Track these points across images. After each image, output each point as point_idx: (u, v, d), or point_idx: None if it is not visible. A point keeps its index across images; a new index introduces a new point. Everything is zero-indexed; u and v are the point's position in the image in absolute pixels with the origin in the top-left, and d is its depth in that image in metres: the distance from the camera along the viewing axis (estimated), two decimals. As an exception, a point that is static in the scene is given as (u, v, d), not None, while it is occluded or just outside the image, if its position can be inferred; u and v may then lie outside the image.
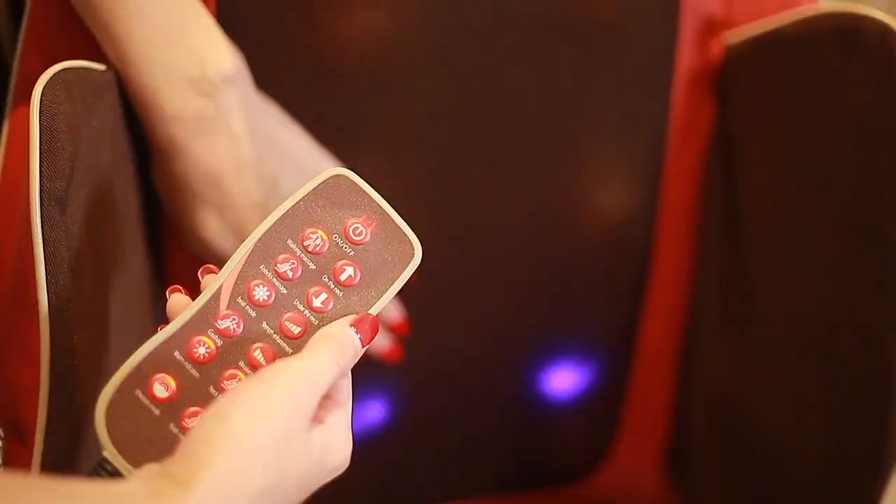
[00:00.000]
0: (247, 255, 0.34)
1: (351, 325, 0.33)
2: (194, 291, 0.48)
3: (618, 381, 0.63)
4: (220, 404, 0.29)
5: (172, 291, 0.34)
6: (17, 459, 0.38)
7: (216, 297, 0.33)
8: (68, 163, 0.36)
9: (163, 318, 0.47)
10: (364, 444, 0.38)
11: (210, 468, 0.27)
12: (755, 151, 0.51)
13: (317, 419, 0.32)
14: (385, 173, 0.50)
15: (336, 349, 0.32)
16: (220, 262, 0.35)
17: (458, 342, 0.58)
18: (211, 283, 0.34)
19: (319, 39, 0.46)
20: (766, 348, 0.52)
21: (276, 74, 0.45)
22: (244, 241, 0.34)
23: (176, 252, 0.48)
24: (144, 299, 0.45)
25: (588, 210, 0.55)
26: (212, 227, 0.43)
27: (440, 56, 0.48)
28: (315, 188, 0.35)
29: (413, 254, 0.35)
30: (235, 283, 0.33)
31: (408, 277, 0.35)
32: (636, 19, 0.50)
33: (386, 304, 0.35)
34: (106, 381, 0.38)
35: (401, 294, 0.53)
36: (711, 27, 0.52)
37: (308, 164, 0.46)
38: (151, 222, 0.46)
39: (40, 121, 0.35)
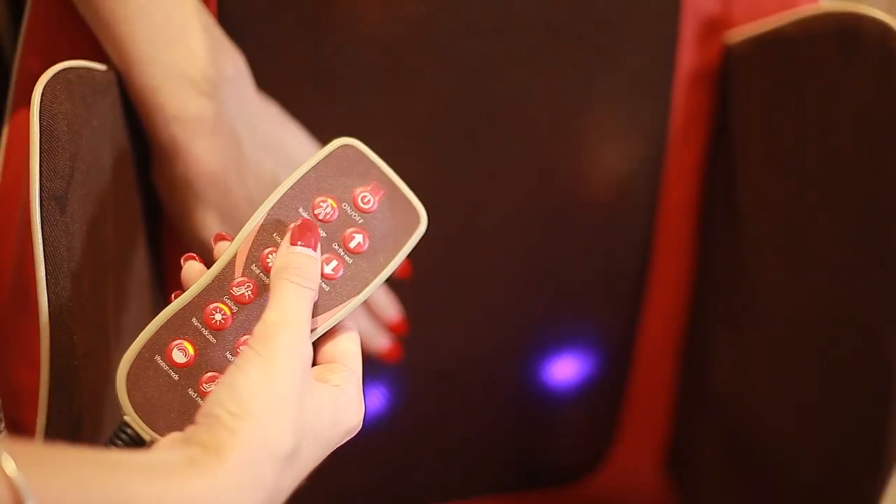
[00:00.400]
0: (259, 223, 0.34)
1: (292, 244, 0.33)
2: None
3: (618, 381, 0.63)
4: (230, 371, 0.29)
5: (187, 259, 0.35)
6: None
7: (230, 264, 0.34)
8: (68, 162, 0.36)
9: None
10: (364, 443, 0.38)
11: (238, 436, 0.27)
12: (755, 151, 0.51)
13: (325, 380, 0.32)
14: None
15: (292, 278, 0.32)
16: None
17: (458, 341, 0.58)
18: (225, 250, 0.34)
19: (320, 39, 0.46)
20: (766, 348, 0.52)
21: (276, 74, 0.45)
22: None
23: (176, 251, 0.48)
24: (145, 298, 0.45)
25: (588, 209, 0.55)
26: (212, 227, 0.43)
27: (441, 56, 0.48)
28: (324, 158, 0.35)
29: (419, 221, 0.36)
30: (249, 250, 0.34)
31: (414, 244, 0.36)
32: (637, 20, 0.50)
33: (394, 270, 0.35)
34: (107, 380, 0.38)
35: (400, 293, 0.53)
36: (711, 27, 0.52)
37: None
38: (151, 222, 0.46)
39: (40, 120, 0.35)
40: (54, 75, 0.36)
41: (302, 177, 0.35)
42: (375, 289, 0.35)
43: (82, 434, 0.38)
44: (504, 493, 0.66)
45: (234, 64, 0.41)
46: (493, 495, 0.66)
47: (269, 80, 0.45)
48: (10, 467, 0.23)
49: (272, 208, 0.34)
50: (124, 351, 0.33)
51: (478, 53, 0.49)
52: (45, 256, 0.34)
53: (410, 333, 0.53)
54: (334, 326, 0.35)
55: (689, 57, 0.52)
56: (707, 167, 0.56)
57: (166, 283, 0.49)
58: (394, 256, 0.35)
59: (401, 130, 0.50)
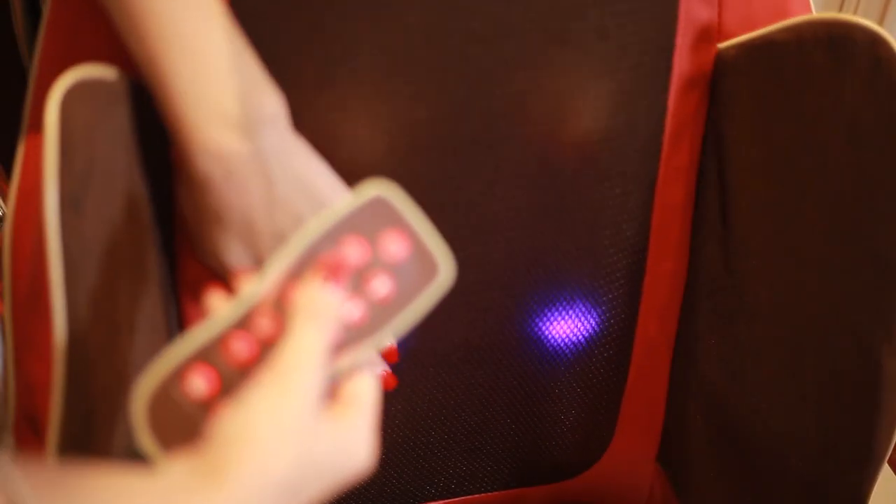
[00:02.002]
0: (290, 261, 0.34)
1: (319, 282, 0.33)
2: (203, 292, 0.49)
3: (615, 378, 0.64)
4: (241, 398, 0.30)
5: (212, 289, 0.35)
6: (32, 451, 0.39)
7: (258, 300, 0.34)
8: (84, 166, 0.36)
9: (173, 317, 0.49)
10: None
11: (240, 459, 0.28)
12: (746, 155, 0.51)
13: (337, 417, 0.32)
14: (386, 175, 0.51)
15: (314, 315, 0.32)
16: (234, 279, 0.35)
17: (457, 339, 0.58)
18: (252, 286, 0.34)
19: (325, 44, 0.46)
20: (757, 345, 0.52)
21: (280, 78, 0.45)
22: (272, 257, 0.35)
23: (188, 253, 0.49)
24: (157, 299, 0.45)
25: (586, 209, 0.56)
26: (234, 252, 0.44)
27: (443, 62, 0.48)
28: (360, 205, 0.35)
29: (445, 274, 0.36)
30: (277, 287, 0.34)
31: (438, 295, 0.35)
32: (634, 27, 0.50)
33: (416, 319, 0.35)
34: (118, 378, 0.39)
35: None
36: (706, 35, 0.52)
37: (330, 201, 0.46)
38: (164, 225, 0.47)
39: (57, 125, 0.35)
40: (71, 80, 0.37)
41: (336, 220, 0.35)
42: (395, 335, 0.35)
43: (94, 428, 0.38)
44: (501, 490, 0.67)
45: (273, 104, 0.41)
46: (490, 493, 0.66)
47: (275, 82, 0.45)
48: (20, 490, 0.23)
49: (303, 248, 0.34)
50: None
51: (479, 60, 0.49)
52: (59, 257, 0.35)
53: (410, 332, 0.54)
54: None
55: (683, 63, 0.53)
56: (700, 170, 0.57)
57: (178, 283, 0.50)
58: (417, 305, 0.35)
59: (403, 135, 0.50)
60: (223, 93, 0.39)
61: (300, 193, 0.43)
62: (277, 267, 0.34)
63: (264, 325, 0.33)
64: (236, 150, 0.40)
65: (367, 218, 0.35)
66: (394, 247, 0.35)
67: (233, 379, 0.33)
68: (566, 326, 0.60)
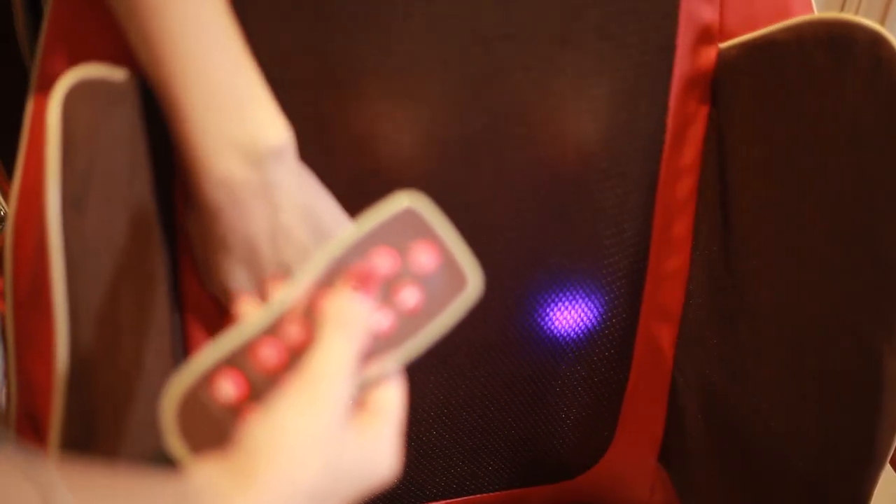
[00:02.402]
0: (320, 270, 0.34)
1: (349, 291, 0.33)
2: (205, 294, 0.49)
3: (616, 378, 0.64)
4: (270, 406, 0.30)
5: (243, 296, 0.35)
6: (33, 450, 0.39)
7: (288, 307, 0.34)
8: (85, 166, 0.36)
9: (176, 318, 0.49)
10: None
11: (268, 466, 0.28)
12: (747, 154, 0.51)
13: (363, 427, 0.33)
14: (391, 176, 0.51)
15: (344, 324, 0.32)
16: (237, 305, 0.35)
17: (458, 339, 0.57)
18: (283, 293, 0.34)
19: (328, 45, 0.46)
20: (758, 347, 0.52)
21: (283, 80, 0.45)
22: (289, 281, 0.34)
23: (189, 257, 0.49)
24: (159, 299, 0.45)
25: (587, 211, 0.56)
26: (238, 278, 0.44)
27: (447, 62, 0.49)
28: (390, 216, 0.35)
29: (474, 286, 0.36)
30: (307, 296, 0.34)
31: (466, 307, 0.36)
32: (635, 28, 0.51)
33: (444, 330, 0.35)
34: (121, 378, 0.39)
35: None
36: (707, 35, 0.52)
37: (333, 231, 0.46)
38: (167, 226, 0.47)
39: (58, 124, 0.35)
40: (73, 79, 0.37)
41: (366, 230, 0.35)
42: (424, 347, 0.35)
43: (96, 428, 0.38)
44: (502, 490, 0.67)
45: (281, 136, 0.41)
46: (491, 493, 0.66)
47: (277, 85, 0.45)
48: (57, 492, 0.23)
49: (334, 257, 0.34)
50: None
51: (482, 60, 0.49)
52: (60, 257, 0.35)
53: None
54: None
55: (684, 63, 0.53)
56: (701, 169, 0.57)
57: (180, 284, 0.50)
58: (445, 317, 0.35)
59: (407, 135, 0.50)
60: (234, 123, 0.40)
61: (304, 223, 0.44)
62: (308, 275, 0.34)
63: (293, 332, 0.33)
64: (244, 178, 0.41)
65: (397, 229, 0.35)
66: (423, 258, 0.35)
67: (261, 385, 0.33)
68: (567, 326, 0.60)
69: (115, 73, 0.40)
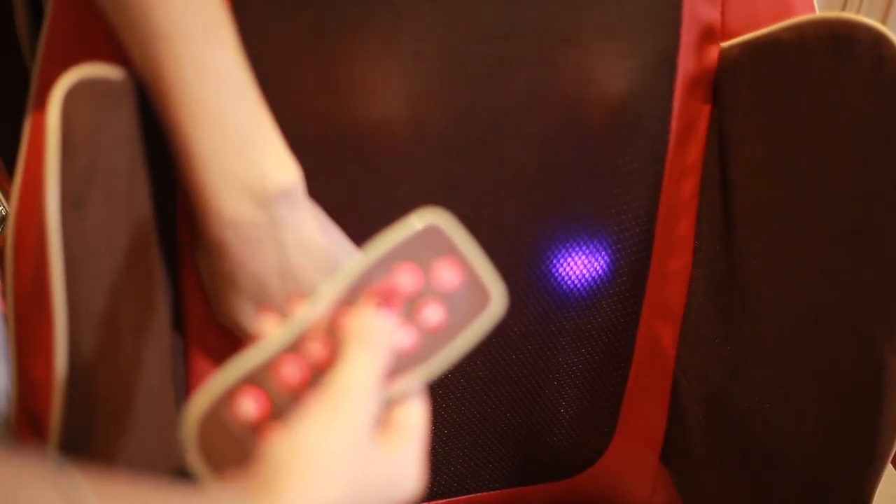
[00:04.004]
0: (342, 288, 0.34)
1: (372, 308, 0.33)
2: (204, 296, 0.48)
3: (616, 375, 0.64)
4: (294, 422, 0.30)
5: (265, 312, 0.35)
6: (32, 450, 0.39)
7: (310, 325, 0.34)
8: (85, 165, 0.36)
9: (177, 319, 0.48)
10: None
11: (293, 482, 0.28)
12: (749, 154, 0.51)
13: (387, 443, 0.32)
14: (394, 174, 0.51)
15: (368, 340, 0.32)
16: (249, 338, 0.35)
17: None
18: (304, 311, 0.34)
19: (329, 44, 0.46)
20: (759, 346, 0.52)
21: (285, 79, 0.45)
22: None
23: (190, 253, 0.48)
24: (160, 300, 0.45)
25: (591, 210, 0.56)
26: (247, 313, 0.45)
27: (452, 61, 0.49)
28: (412, 234, 0.35)
29: (497, 303, 0.36)
30: (330, 313, 0.34)
31: (490, 324, 0.35)
32: (639, 27, 0.51)
33: (468, 347, 0.35)
34: (121, 379, 0.39)
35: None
36: (709, 35, 0.52)
37: (342, 265, 0.46)
38: (168, 226, 0.47)
39: (58, 124, 0.35)
40: (73, 79, 0.37)
41: (389, 247, 0.35)
42: (447, 364, 0.35)
43: (96, 429, 0.38)
44: (503, 488, 0.67)
45: (290, 176, 0.42)
46: (491, 492, 0.66)
47: (280, 85, 0.45)
48: (84, 497, 0.23)
49: (357, 274, 0.34)
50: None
51: (487, 59, 0.49)
52: (59, 257, 0.35)
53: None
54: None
55: (688, 63, 0.53)
56: (703, 168, 0.57)
57: (180, 285, 0.50)
58: (468, 334, 0.35)
59: (410, 134, 0.50)
60: (244, 165, 0.40)
61: (313, 261, 0.44)
62: (330, 292, 0.34)
63: (316, 349, 0.33)
64: (252, 218, 0.41)
65: (420, 246, 0.35)
66: (446, 275, 0.35)
67: (283, 402, 0.33)
68: (567, 322, 0.60)
69: (115, 73, 0.40)
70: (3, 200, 0.71)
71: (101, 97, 0.39)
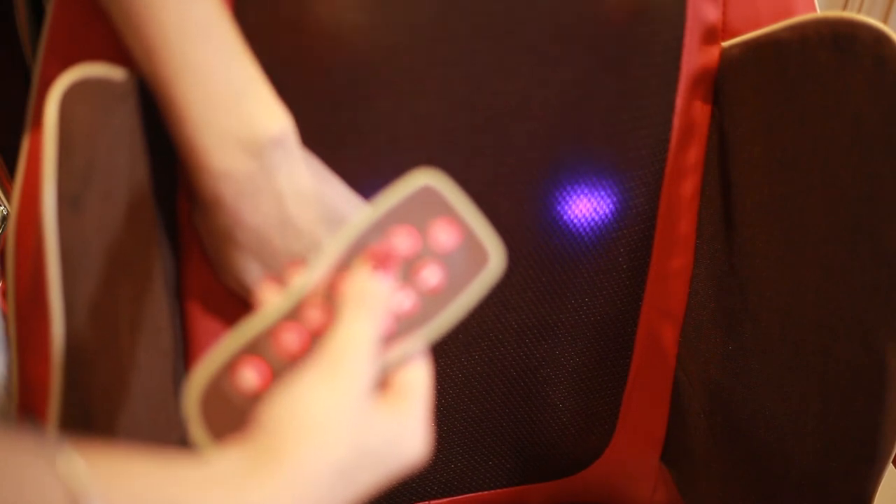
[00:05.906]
0: (339, 252, 0.34)
1: (369, 271, 0.33)
2: (209, 292, 0.49)
3: (616, 373, 0.64)
4: (293, 383, 0.30)
5: (266, 281, 0.35)
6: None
7: (308, 292, 0.34)
8: (84, 164, 0.36)
9: (177, 318, 0.48)
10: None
11: (297, 441, 0.28)
12: (750, 153, 0.51)
13: (390, 407, 0.32)
14: (392, 170, 0.51)
15: (365, 303, 0.32)
16: (254, 298, 0.35)
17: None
18: (302, 277, 0.34)
19: (328, 43, 0.46)
20: (761, 345, 0.52)
21: (286, 78, 0.45)
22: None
23: (191, 254, 0.49)
24: (160, 299, 0.46)
25: (591, 207, 0.56)
26: (252, 271, 0.44)
27: (450, 58, 0.49)
28: (408, 195, 0.35)
29: (496, 262, 0.35)
30: (328, 279, 0.34)
31: (489, 285, 0.35)
32: (643, 26, 0.50)
33: (467, 309, 0.35)
34: (119, 379, 0.39)
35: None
36: (711, 34, 0.52)
37: (346, 215, 0.46)
38: (169, 225, 0.47)
39: (57, 123, 0.35)
40: (73, 79, 0.37)
41: (385, 210, 0.35)
42: (447, 326, 0.35)
43: (94, 429, 0.38)
44: (504, 487, 0.67)
45: (282, 125, 0.42)
46: (492, 490, 0.67)
47: (280, 83, 0.45)
48: (81, 475, 0.23)
49: (353, 238, 0.34)
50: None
51: (485, 56, 0.49)
52: (57, 255, 0.35)
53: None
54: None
55: (691, 62, 0.53)
56: (705, 168, 0.57)
57: (181, 282, 0.50)
58: (468, 295, 0.35)
59: (409, 130, 0.50)
60: (233, 117, 0.40)
61: (313, 209, 0.44)
62: (327, 258, 0.34)
63: (315, 316, 0.33)
64: (245, 169, 0.41)
65: (416, 207, 0.35)
66: (443, 236, 0.35)
67: (284, 371, 0.33)
68: (566, 317, 0.60)
69: (114, 73, 0.40)
70: (4, 200, 0.71)
71: (101, 97, 0.39)
